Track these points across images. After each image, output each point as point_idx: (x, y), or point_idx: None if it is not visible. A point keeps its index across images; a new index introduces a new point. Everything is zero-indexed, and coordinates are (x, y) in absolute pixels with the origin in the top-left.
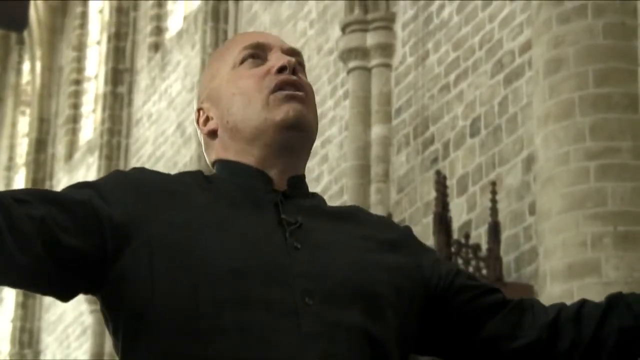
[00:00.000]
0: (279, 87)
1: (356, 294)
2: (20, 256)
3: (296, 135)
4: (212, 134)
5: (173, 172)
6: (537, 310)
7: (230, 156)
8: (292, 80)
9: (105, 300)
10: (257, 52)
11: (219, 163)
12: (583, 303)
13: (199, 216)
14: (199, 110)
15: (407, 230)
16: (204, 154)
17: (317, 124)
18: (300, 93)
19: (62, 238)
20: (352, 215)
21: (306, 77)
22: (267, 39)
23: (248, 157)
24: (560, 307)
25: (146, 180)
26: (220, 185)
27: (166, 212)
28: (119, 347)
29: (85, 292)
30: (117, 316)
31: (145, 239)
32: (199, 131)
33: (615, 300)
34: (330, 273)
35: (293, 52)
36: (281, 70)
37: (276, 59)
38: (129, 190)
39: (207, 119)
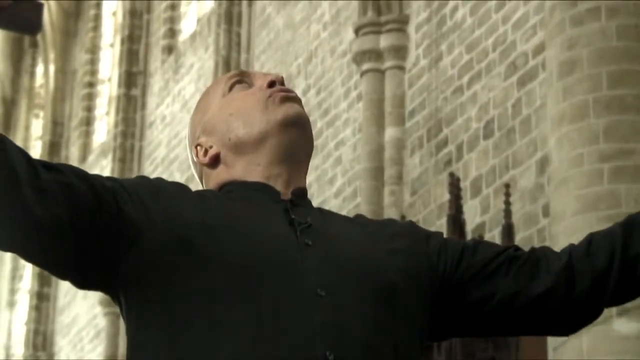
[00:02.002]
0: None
1: (367, 286)
2: (40, 211)
3: (299, 131)
4: (214, 162)
5: (187, 174)
6: (550, 257)
7: (236, 174)
8: (285, 89)
9: (118, 295)
10: (243, 79)
11: (225, 185)
12: (591, 239)
13: (213, 216)
14: (196, 147)
15: (411, 223)
16: (205, 187)
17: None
18: (294, 94)
19: (84, 212)
20: (356, 218)
21: None
22: (249, 71)
23: (254, 168)
24: (570, 250)
25: (164, 185)
26: (231, 195)
27: (182, 212)
28: (130, 336)
29: (98, 285)
30: (130, 310)
31: (159, 236)
32: (196, 168)
33: (630, 225)
34: (342, 266)
35: (277, 76)
36: (271, 85)
37: (263, 78)
38: (149, 191)
39: (205, 152)
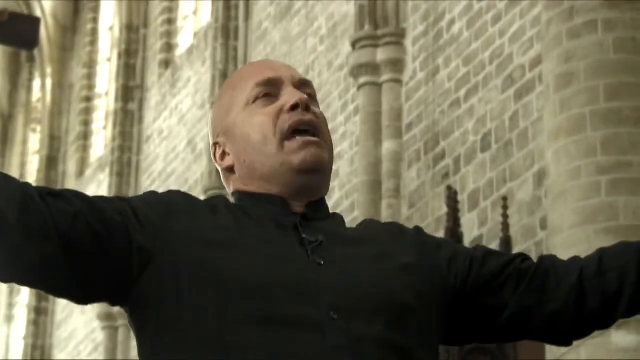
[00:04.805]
0: (293, 130)
1: (380, 306)
2: (28, 249)
3: (314, 177)
4: (230, 169)
5: (184, 188)
6: (559, 269)
7: (250, 189)
8: (306, 121)
9: (131, 314)
10: (270, 90)
11: (238, 193)
12: (601, 256)
13: (225, 235)
14: (215, 144)
15: (419, 233)
16: (224, 184)
17: (332, 156)
18: (315, 139)
19: (89, 240)
20: (367, 232)
21: (318, 107)
22: (277, 73)
23: (269, 189)
24: (581, 266)
25: (175, 201)
26: (243, 208)
27: (194, 231)
28: (140, 353)
29: (109, 302)
30: (143, 329)
31: (172, 257)
32: (217, 165)
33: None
34: (354, 287)
35: (304, 84)
36: (294, 108)
37: (289, 96)
38: (160, 210)
39: (223, 154)
